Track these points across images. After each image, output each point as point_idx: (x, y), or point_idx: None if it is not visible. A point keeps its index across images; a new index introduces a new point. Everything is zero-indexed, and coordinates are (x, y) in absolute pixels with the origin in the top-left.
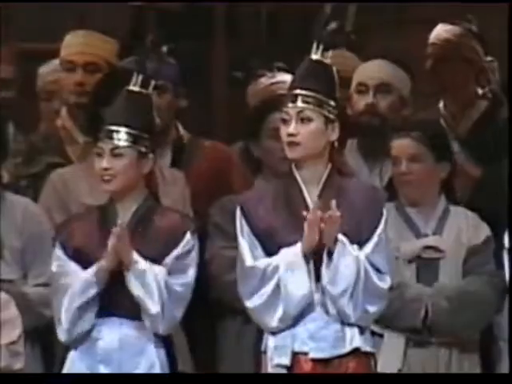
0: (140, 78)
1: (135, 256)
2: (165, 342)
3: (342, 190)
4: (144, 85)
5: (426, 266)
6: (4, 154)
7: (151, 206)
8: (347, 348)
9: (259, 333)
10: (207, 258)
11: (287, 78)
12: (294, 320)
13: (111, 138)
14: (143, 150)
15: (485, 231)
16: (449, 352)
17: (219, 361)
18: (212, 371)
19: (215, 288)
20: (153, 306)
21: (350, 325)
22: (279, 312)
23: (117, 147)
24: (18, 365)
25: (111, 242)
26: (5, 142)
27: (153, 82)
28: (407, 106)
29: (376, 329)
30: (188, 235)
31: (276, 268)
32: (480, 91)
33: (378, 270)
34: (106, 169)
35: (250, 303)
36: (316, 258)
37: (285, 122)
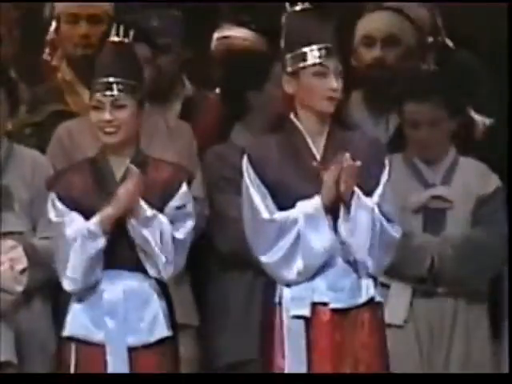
0: (121, 28)
1: (142, 203)
2: (166, 293)
3: (346, 141)
4: (125, 35)
5: (433, 216)
6: (14, 105)
7: (144, 158)
8: (363, 298)
9: (270, 284)
10: (234, 215)
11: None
12: (313, 273)
13: (110, 89)
14: (141, 99)
15: (495, 182)
16: (455, 302)
17: (228, 312)
18: (220, 323)
19: (237, 244)
20: (158, 253)
21: (365, 275)
22: (299, 265)
23: (117, 98)
24: (18, 288)
25: (125, 188)
26: (16, 95)
27: (132, 32)
28: (415, 58)
29: (382, 279)
30: (184, 186)
31: (295, 221)
32: None
33: (388, 220)
34: (109, 121)
35: (266, 258)
36: (332, 210)
37: (319, 74)
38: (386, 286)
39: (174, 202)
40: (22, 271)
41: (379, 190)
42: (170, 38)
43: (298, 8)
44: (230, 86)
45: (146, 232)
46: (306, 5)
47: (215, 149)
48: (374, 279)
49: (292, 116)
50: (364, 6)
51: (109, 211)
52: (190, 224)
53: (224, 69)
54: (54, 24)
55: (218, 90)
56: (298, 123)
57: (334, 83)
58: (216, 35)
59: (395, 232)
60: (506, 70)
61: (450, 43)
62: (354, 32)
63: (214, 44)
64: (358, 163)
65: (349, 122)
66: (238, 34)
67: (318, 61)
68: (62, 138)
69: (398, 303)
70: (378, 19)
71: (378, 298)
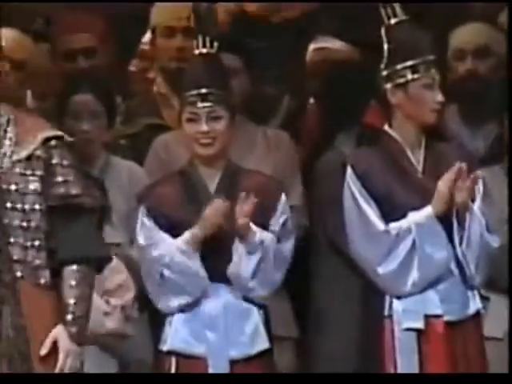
0: (206, 39)
1: (253, 227)
2: (264, 305)
3: (443, 154)
4: (210, 45)
5: None
6: (112, 118)
7: (236, 169)
8: (472, 309)
9: (379, 297)
10: (330, 231)
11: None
12: (429, 284)
13: (206, 101)
14: (233, 110)
15: None
16: None
17: (327, 325)
18: (318, 336)
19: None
20: (249, 278)
21: (471, 287)
22: (414, 276)
23: (213, 110)
24: (129, 330)
25: (213, 208)
26: (113, 106)
27: (215, 42)
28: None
29: (482, 291)
30: (283, 197)
31: (409, 230)
32: None
33: (489, 231)
34: (205, 132)
35: (381, 269)
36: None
37: (427, 87)
38: (485, 299)
39: (279, 218)
40: (133, 300)
41: (477, 203)
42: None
43: (395, 20)
44: (333, 97)
45: (248, 258)
46: (403, 17)
47: (326, 161)
48: (478, 291)
49: (387, 127)
50: (454, 18)
51: (196, 232)
52: (292, 240)
53: (324, 80)
54: (148, 36)
55: (312, 100)
56: (394, 135)
57: (440, 96)
58: (312, 46)
59: (495, 242)
60: None
61: None
62: (447, 45)
63: (309, 55)
64: (480, 174)
65: (445, 134)
66: (335, 45)
67: (426, 73)
68: (158, 151)
69: (498, 316)
70: (468, 31)
71: (482, 310)
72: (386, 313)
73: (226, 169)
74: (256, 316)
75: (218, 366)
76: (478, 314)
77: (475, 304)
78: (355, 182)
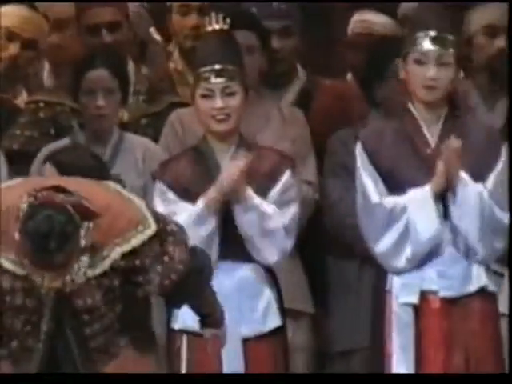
0: (219, 16)
1: (249, 191)
2: (276, 282)
3: (461, 129)
4: (223, 22)
5: None
6: (126, 94)
7: (248, 145)
8: (474, 286)
9: (382, 272)
10: (335, 198)
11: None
12: (422, 260)
13: (220, 76)
14: (246, 86)
15: None
16: None
17: (340, 299)
18: (332, 310)
19: (338, 229)
20: (262, 240)
21: (477, 263)
22: (407, 253)
23: (228, 86)
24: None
25: (228, 171)
26: (127, 83)
27: (228, 19)
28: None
29: (496, 267)
30: (287, 173)
31: (404, 209)
32: None
33: (500, 206)
34: (221, 108)
35: (377, 248)
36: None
37: (419, 62)
38: (500, 275)
39: (277, 188)
40: None
41: (492, 177)
42: (290, 21)
43: None
44: (372, 72)
45: (250, 218)
46: None
47: (339, 134)
48: (487, 268)
49: (409, 104)
50: None
51: (212, 193)
52: (293, 209)
53: (365, 53)
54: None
55: (349, 76)
56: (414, 111)
57: (432, 72)
58: (355, 18)
59: (505, 218)
60: None
61: None
62: (469, 21)
63: (351, 26)
64: (459, 143)
65: (466, 110)
66: (377, 18)
67: (420, 47)
68: (174, 124)
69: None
70: (500, 10)
71: (490, 288)
72: (387, 287)
73: (239, 144)
74: (268, 293)
75: (230, 344)
76: (483, 290)
77: (479, 280)
78: (362, 156)
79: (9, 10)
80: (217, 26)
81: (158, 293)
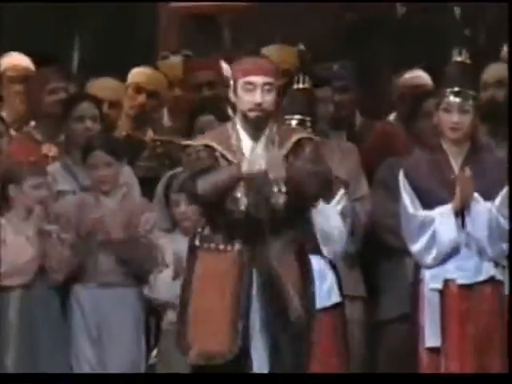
0: (305, 77)
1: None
2: (336, 271)
3: (478, 161)
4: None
5: None
6: None
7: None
8: (484, 276)
9: (418, 266)
10: (371, 206)
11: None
12: (444, 258)
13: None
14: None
15: None
16: None
17: (384, 287)
18: (380, 295)
19: (376, 228)
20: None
21: (487, 259)
22: (434, 253)
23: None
24: None
25: None
26: None
27: (308, 78)
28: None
29: (504, 262)
30: (342, 190)
31: (432, 220)
32: None
33: (504, 217)
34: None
35: (413, 247)
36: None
37: (447, 111)
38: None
39: (337, 202)
40: None
41: (500, 197)
42: (346, 81)
43: (460, 59)
44: (413, 115)
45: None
46: (467, 59)
47: (387, 161)
48: (496, 264)
49: (442, 140)
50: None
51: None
52: (349, 219)
53: (411, 103)
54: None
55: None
56: (444, 146)
57: (455, 118)
58: (407, 75)
59: (506, 225)
60: None
61: None
62: (480, 77)
63: (402, 81)
64: (471, 173)
65: (483, 148)
66: (421, 75)
67: (447, 100)
68: None
69: None
70: (498, 69)
71: (498, 277)
72: (421, 277)
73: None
74: (330, 277)
75: None
76: (493, 279)
77: (488, 271)
78: (403, 181)
79: (136, 70)
80: (301, 86)
81: None
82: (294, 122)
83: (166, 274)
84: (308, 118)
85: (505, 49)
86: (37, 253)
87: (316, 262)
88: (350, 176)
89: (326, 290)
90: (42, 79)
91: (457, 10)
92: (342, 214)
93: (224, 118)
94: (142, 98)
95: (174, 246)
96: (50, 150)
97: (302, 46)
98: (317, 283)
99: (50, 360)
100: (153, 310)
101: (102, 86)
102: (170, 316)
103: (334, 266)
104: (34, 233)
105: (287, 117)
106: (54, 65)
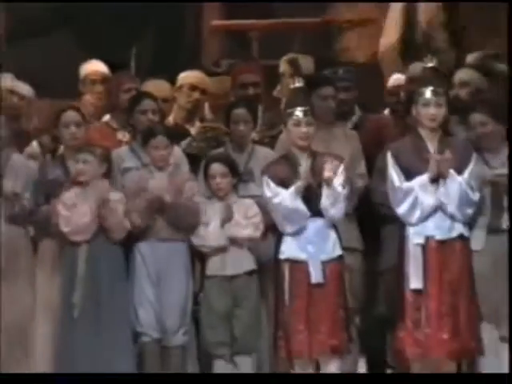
0: (299, 79)
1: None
2: (337, 229)
3: (449, 144)
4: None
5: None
6: (255, 124)
7: (316, 154)
8: (455, 233)
9: (403, 225)
10: (375, 185)
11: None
12: (425, 218)
13: (304, 115)
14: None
15: None
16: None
17: (380, 239)
18: (372, 247)
19: (375, 196)
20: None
21: (457, 220)
22: (417, 214)
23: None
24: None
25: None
26: (256, 117)
27: (301, 80)
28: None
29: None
30: (342, 166)
31: (412, 188)
32: None
33: (471, 189)
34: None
35: (399, 211)
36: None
37: (425, 105)
38: (470, 227)
39: (340, 176)
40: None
41: (467, 172)
42: (349, 83)
43: (431, 64)
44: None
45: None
46: (436, 65)
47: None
48: (464, 223)
49: (419, 129)
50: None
51: (299, 184)
52: (347, 188)
53: (402, 98)
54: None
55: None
56: (422, 132)
57: (432, 111)
58: (394, 77)
59: (475, 196)
60: None
61: None
62: (452, 79)
63: (390, 83)
64: (450, 155)
65: (450, 132)
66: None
67: (424, 97)
68: (282, 141)
69: (477, 236)
70: (462, 74)
71: (466, 234)
72: (406, 233)
73: (309, 153)
74: (333, 234)
75: (314, 266)
76: (462, 236)
77: (458, 230)
78: (390, 160)
79: (188, 73)
80: (297, 85)
81: None
82: (297, 113)
83: (214, 224)
84: (307, 108)
85: (468, 58)
86: (93, 217)
87: (321, 223)
88: (352, 157)
89: (331, 246)
90: (118, 81)
91: None
92: (342, 185)
93: (254, 112)
94: (196, 95)
95: (212, 207)
96: (124, 136)
97: (294, 55)
98: (325, 239)
99: (110, 301)
100: (199, 259)
101: (156, 87)
102: (213, 263)
103: (335, 226)
104: (94, 200)
105: (289, 110)
106: (123, 70)
